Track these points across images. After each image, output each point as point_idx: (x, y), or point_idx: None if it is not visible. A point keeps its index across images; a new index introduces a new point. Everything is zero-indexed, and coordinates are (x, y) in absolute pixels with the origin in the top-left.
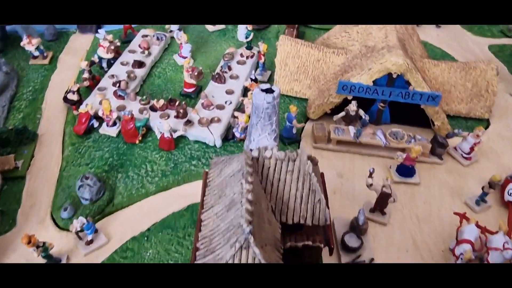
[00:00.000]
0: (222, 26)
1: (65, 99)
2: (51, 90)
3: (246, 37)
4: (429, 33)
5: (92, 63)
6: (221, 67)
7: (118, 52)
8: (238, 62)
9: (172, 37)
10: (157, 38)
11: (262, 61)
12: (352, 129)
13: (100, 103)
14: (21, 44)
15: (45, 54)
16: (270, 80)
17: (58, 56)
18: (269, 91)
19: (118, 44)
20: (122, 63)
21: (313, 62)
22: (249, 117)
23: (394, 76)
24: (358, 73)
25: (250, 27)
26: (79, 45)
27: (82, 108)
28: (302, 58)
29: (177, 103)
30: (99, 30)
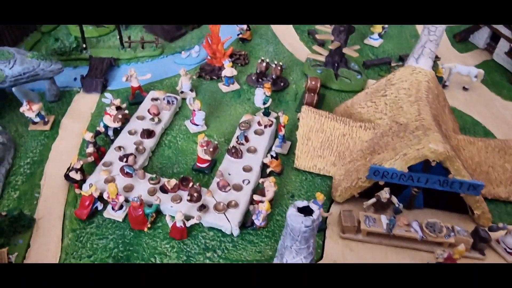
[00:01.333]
0: (236, 86)
1: (67, 177)
2: (51, 162)
3: (264, 103)
4: (457, 97)
5: (97, 134)
6: (237, 137)
7: (126, 117)
8: (256, 132)
9: (184, 98)
10: (168, 102)
11: (282, 133)
12: (384, 219)
13: (106, 181)
14: (21, 110)
15: (46, 119)
16: (291, 152)
17: (61, 120)
18: (306, 210)
19: (126, 112)
20: (129, 132)
21: (338, 136)
22: (271, 204)
23: (433, 164)
24: (391, 157)
25: (268, 91)
26: (83, 106)
27: (86, 190)
28: (326, 132)
29: (190, 185)
30: (105, 94)
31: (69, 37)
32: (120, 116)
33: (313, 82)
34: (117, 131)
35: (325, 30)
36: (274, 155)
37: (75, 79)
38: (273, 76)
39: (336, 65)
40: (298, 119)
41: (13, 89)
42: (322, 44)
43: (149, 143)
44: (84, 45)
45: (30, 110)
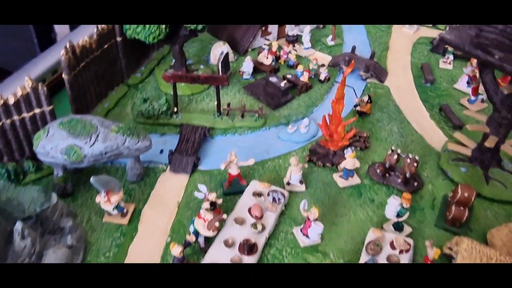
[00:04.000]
0: (357, 181)
1: None
2: None
3: (399, 215)
4: None
5: (186, 245)
6: (365, 262)
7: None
8: (389, 259)
9: (291, 192)
10: (274, 199)
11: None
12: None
13: None
14: (96, 200)
15: (124, 211)
16: None
17: (141, 210)
18: None
19: (224, 217)
20: (226, 244)
21: None
22: None
23: None
24: None
25: (407, 204)
26: (169, 191)
27: None
28: None
29: None
30: (199, 186)
31: (160, 95)
32: (216, 224)
33: (466, 194)
34: (209, 241)
35: (476, 118)
36: None
37: (161, 151)
38: (407, 175)
39: (486, 163)
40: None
41: (92, 179)
42: (459, 127)
43: (251, 259)
44: (175, 109)
45: (108, 202)
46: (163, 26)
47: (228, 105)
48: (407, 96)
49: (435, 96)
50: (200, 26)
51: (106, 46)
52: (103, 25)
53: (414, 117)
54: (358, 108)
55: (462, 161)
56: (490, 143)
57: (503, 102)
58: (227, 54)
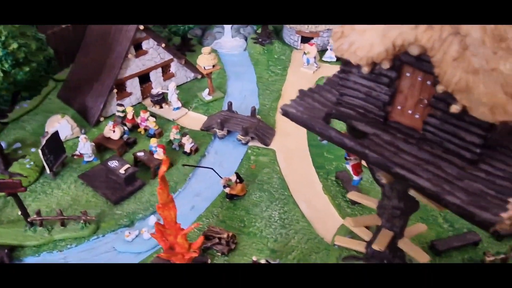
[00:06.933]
0: None
1: None
2: None
3: None
4: None
5: None
6: None
7: None
8: None
9: None
10: None
11: None
12: None
13: None
14: None
15: None
16: None
17: None
18: None
19: None
20: None
21: None
22: None
23: None
24: None
25: None
26: None
27: None
28: None
29: None
30: None
31: None
32: None
33: None
34: None
35: (364, 203)
36: None
37: None
38: None
39: (386, 262)
40: None
41: None
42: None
43: None
44: None
45: None
46: None
47: (38, 213)
48: (297, 163)
49: (333, 159)
50: None
51: None
52: None
53: (303, 193)
54: (227, 190)
55: (357, 259)
56: (380, 242)
57: (392, 188)
58: (54, 135)
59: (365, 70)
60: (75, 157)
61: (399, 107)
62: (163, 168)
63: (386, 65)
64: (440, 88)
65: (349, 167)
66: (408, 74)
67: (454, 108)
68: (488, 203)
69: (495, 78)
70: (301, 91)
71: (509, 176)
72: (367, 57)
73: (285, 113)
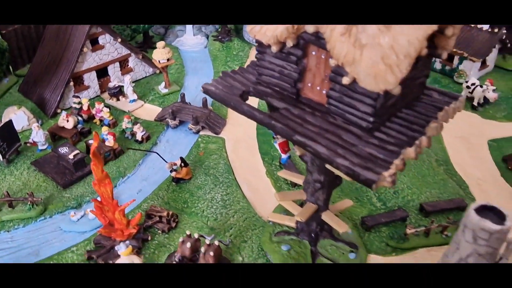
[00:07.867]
0: None
1: None
2: None
3: None
4: None
5: None
6: None
7: None
8: None
9: None
10: None
11: None
12: None
13: None
14: None
15: None
16: None
17: None
18: None
19: None
20: None
21: None
22: None
23: None
24: None
25: None
26: None
27: None
28: None
29: None
30: None
31: None
32: None
33: None
34: None
35: (293, 181)
36: None
37: None
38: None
39: (314, 235)
40: None
41: None
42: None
43: None
44: None
45: None
46: None
47: None
48: (244, 150)
49: None
50: None
51: None
52: None
53: (246, 177)
54: (173, 174)
55: (288, 234)
56: (303, 214)
57: (312, 162)
58: (7, 124)
59: (274, 49)
60: (28, 144)
61: (309, 84)
62: (94, 144)
63: (290, 44)
64: (332, 62)
65: (276, 146)
66: (313, 53)
67: (345, 80)
68: (374, 165)
69: (376, 51)
70: (224, 72)
71: (399, 143)
72: (273, 36)
73: (206, 91)
